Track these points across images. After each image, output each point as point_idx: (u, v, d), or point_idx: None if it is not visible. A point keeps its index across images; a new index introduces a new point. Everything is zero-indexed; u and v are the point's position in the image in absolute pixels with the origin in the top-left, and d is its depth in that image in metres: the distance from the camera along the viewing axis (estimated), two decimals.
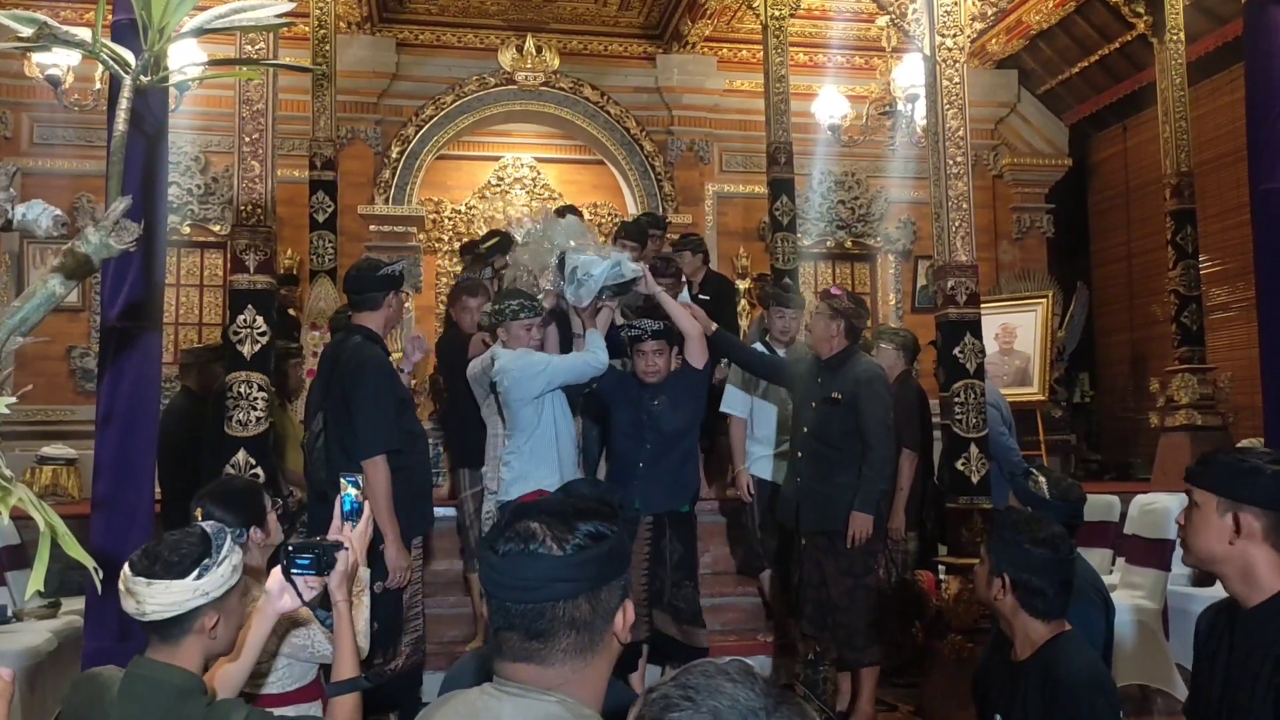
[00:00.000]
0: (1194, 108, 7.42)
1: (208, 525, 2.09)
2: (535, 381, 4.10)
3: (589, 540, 1.38)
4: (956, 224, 4.75)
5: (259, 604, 2.24)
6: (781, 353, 5.10)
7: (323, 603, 2.22)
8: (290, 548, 2.13)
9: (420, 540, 3.92)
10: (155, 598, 1.96)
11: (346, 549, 2.17)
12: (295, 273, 8.20)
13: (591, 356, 4.19)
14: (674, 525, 4.35)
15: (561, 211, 6.15)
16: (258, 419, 3.89)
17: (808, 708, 1.00)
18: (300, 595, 2.15)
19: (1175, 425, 7.18)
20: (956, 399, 4.65)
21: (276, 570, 2.16)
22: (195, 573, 1.98)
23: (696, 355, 4.33)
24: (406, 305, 6.93)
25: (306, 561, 2.11)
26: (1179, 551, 5.76)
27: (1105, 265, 10.36)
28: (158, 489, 3.51)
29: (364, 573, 2.52)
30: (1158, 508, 5.46)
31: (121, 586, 1.99)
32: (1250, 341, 6.62)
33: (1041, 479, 3.00)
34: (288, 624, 2.56)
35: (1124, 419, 9.76)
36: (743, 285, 9.29)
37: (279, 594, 2.16)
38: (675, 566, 4.34)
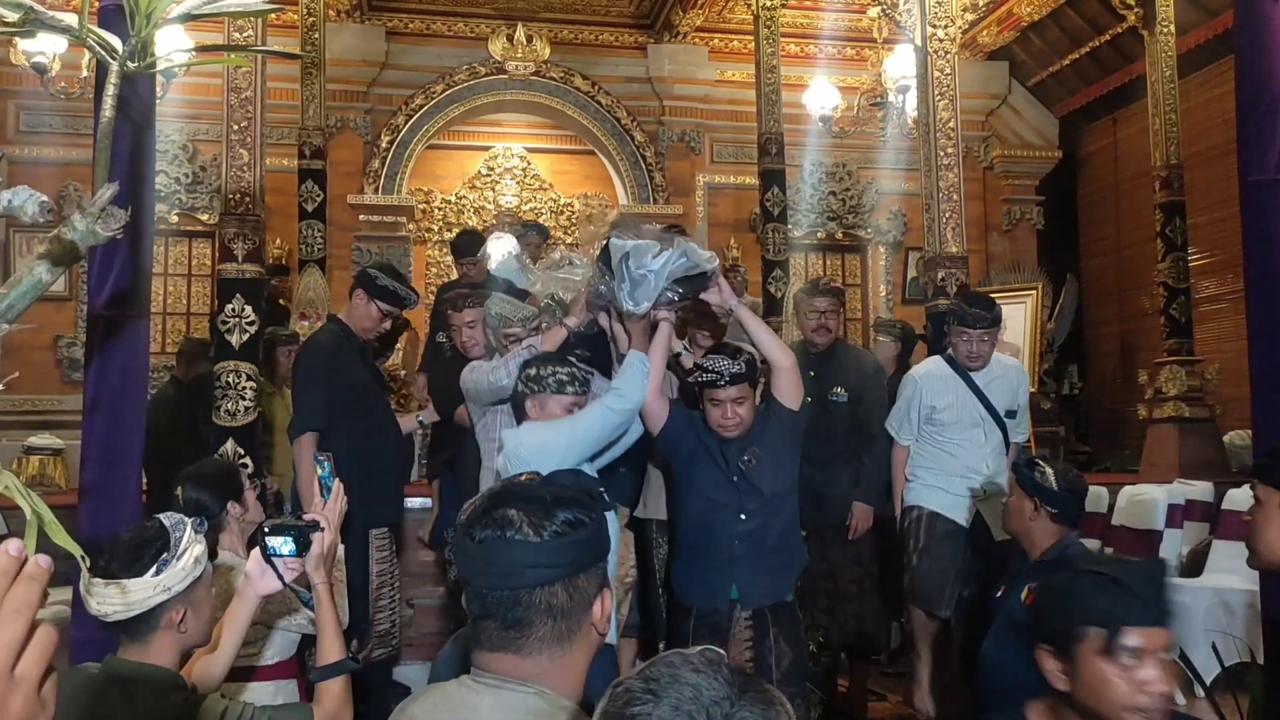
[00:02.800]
0: (1184, 100, 7.43)
1: (166, 518, 2.05)
2: (554, 461, 2.92)
3: (566, 527, 1.38)
4: (947, 215, 4.76)
5: (240, 587, 2.22)
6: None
7: (305, 583, 2.21)
8: (267, 529, 2.12)
9: (386, 531, 3.89)
10: (114, 598, 1.93)
11: (323, 529, 2.15)
12: (285, 263, 8.16)
13: (614, 398, 3.04)
14: (778, 621, 3.28)
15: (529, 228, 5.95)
16: (246, 409, 3.88)
17: (775, 694, 0.99)
18: (280, 577, 2.13)
19: (1163, 417, 7.21)
20: None
21: (256, 552, 2.14)
22: (154, 569, 1.95)
23: (790, 392, 3.27)
24: None
25: (284, 542, 2.10)
26: (1167, 541, 5.82)
27: (1095, 257, 10.39)
28: (144, 478, 3.50)
29: (340, 550, 2.52)
30: (1145, 499, 5.49)
31: (81, 589, 1.96)
32: (1238, 334, 6.65)
33: (1048, 470, 2.97)
34: (279, 602, 2.55)
35: (1112, 411, 9.80)
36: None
37: (259, 576, 2.14)
38: (784, 678, 3.23)
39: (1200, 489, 5.87)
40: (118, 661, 1.99)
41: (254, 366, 3.96)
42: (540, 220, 9.49)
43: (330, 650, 2.12)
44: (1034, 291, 8.85)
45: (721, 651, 1.04)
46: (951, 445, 4.15)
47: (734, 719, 0.94)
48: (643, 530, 3.98)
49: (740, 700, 0.95)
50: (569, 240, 9.65)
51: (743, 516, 3.24)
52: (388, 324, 3.96)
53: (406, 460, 4.28)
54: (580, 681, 1.42)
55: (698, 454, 3.28)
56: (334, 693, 2.08)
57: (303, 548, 2.10)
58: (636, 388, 3.05)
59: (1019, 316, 8.72)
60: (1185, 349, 7.26)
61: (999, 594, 2.98)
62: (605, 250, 3.12)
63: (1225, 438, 6.86)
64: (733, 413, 3.19)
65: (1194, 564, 5.53)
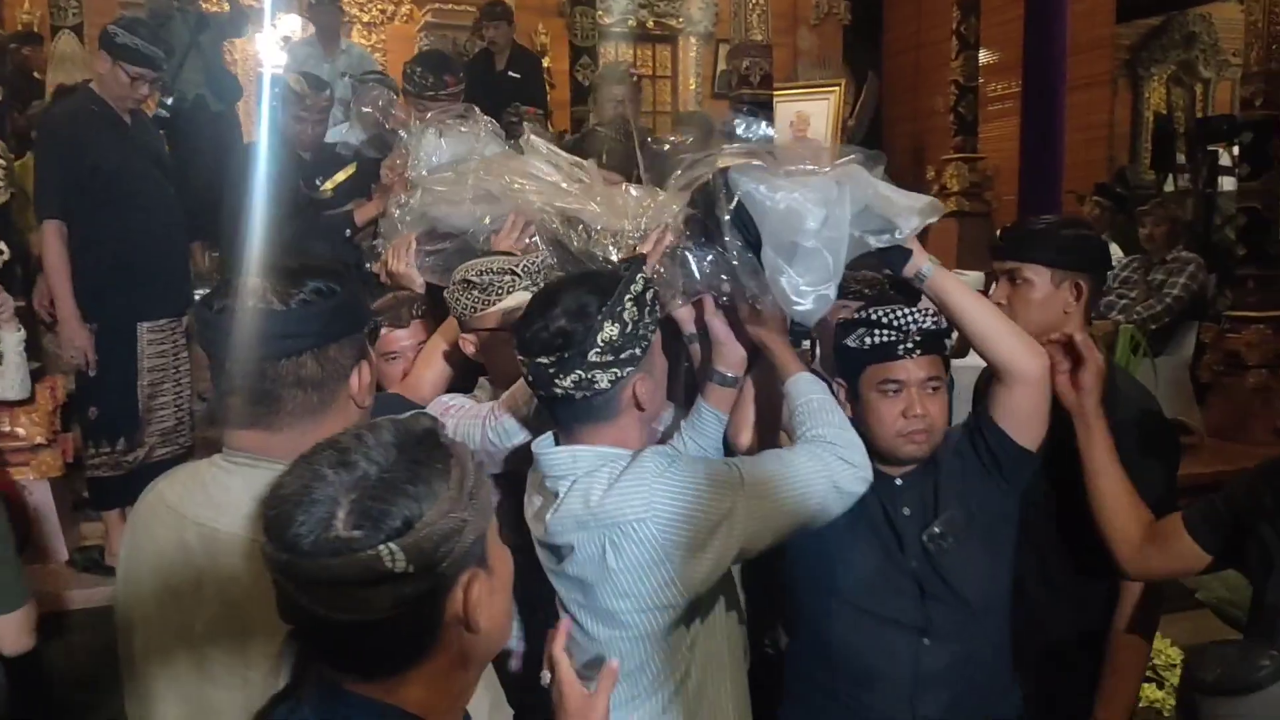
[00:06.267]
0: None
1: None
2: (693, 564, 1.52)
3: (315, 295, 1.31)
4: (753, 2, 4.70)
5: None
6: None
7: None
8: None
9: (165, 324, 3.71)
10: None
11: None
12: (35, 29, 7.27)
13: (840, 464, 1.62)
14: None
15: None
16: None
17: (453, 451, 0.99)
18: None
19: (946, 212, 7.62)
20: None
21: None
22: None
23: (1033, 420, 1.82)
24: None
25: None
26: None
27: (895, 55, 10.60)
28: None
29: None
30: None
31: None
32: (1017, 134, 7.02)
33: None
34: None
35: None
36: (544, 62, 8.97)
37: None
38: None
39: (973, 278, 6.32)
40: None
41: (3, 144, 3.57)
42: None
43: None
44: (836, 88, 8.94)
45: (430, 418, 1.03)
46: None
47: (375, 478, 0.94)
48: None
49: (398, 456, 0.95)
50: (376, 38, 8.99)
51: (926, 642, 1.80)
52: (144, 90, 3.60)
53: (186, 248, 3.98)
54: None
55: (849, 524, 1.72)
56: None
57: None
58: (861, 450, 1.65)
59: (821, 113, 8.85)
60: (970, 146, 7.63)
61: None
62: (725, 203, 1.65)
63: (998, 232, 7.34)
64: (923, 407, 1.78)
65: (961, 346, 6.02)
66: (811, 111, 9.46)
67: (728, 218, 1.64)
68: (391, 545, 0.90)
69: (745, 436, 1.82)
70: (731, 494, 1.52)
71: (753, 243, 1.64)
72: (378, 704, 0.97)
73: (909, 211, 1.71)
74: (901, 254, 1.74)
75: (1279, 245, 5.68)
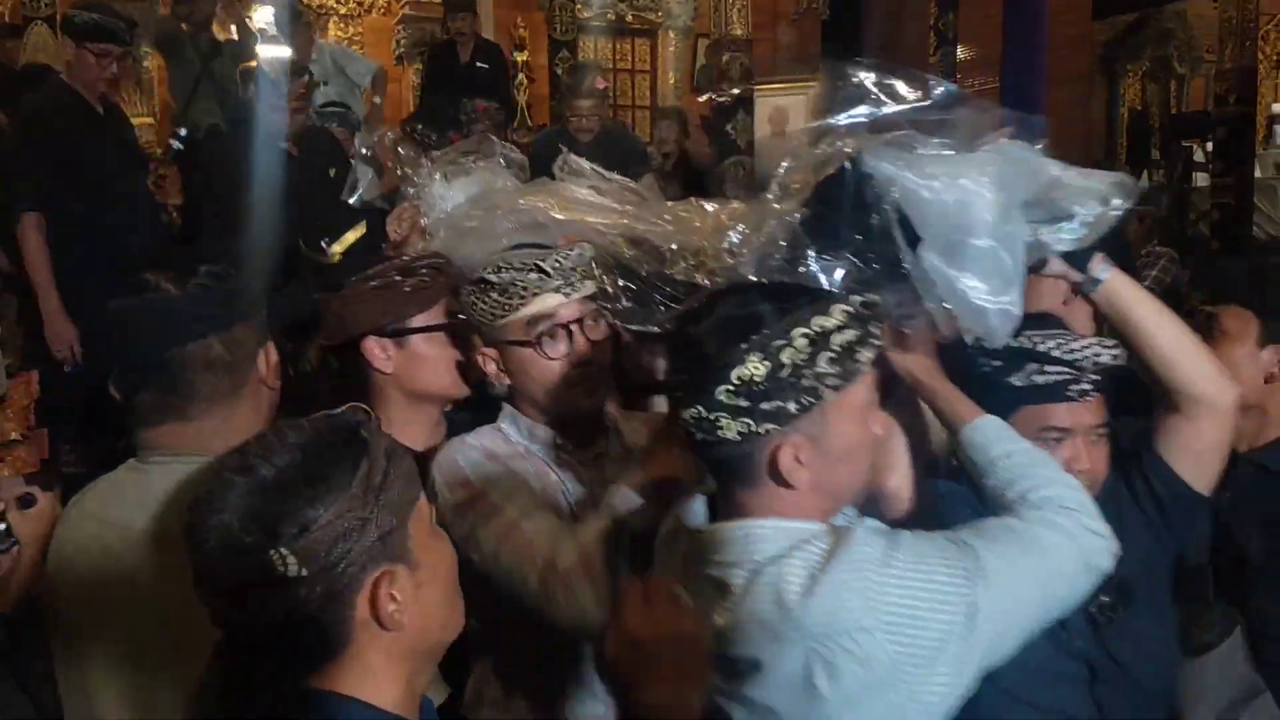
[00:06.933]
0: None
1: None
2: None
3: (210, 279, 1.34)
4: None
5: None
6: None
7: None
8: None
9: None
10: None
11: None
12: (6, 20, 7.19)
13: (1089, 535, 1.23)
14: None
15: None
16: None
17: (366, 450, 0.96)
18: None
19: None
20: (728, 174, 4.77)
21: None
22: None
23: (1213, 454, 1.55)
24: None
25: None
26: None
27: (875, 51, 10.62)
28: None
29: None
30: None
31: None
32: None
33: None
34: None
35: None
36: (520, 57, 8.93)
37: None
38: None
39: None
40: None
41: None
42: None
43: None
44: (814, 84, 9.01)
45: (365, 410, 1.00)
46: None
47: (271, 482, 0.93)
48: None
49: (301, 457, 0.94)
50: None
51: None
52: (113, 68, 3.58)
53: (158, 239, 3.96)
54: None
55: None
56: None
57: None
58: (1099, 514, 1.28)
59: (799, 108, 8.90)
60: None
61: None
62: (858, 195, 1.32)
63: None
64: (1089, 459, 1.50)
65: None
66: (791, 106, 9.56)
67: (889, 209, 1.27)
68: (283, 550, 0.90)
69: (896, 478, 1.43)
70: (970, 583, 1.12)
71: (908, 243, 1.28)
72: (328, 694, 0.97)
73: (1088, 195, 1.31)
74: (1086, 253, 1.39)
75: (1251, 240, 5.75)
